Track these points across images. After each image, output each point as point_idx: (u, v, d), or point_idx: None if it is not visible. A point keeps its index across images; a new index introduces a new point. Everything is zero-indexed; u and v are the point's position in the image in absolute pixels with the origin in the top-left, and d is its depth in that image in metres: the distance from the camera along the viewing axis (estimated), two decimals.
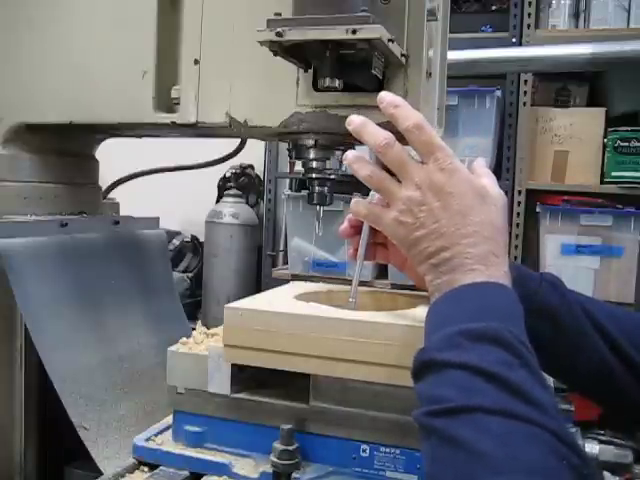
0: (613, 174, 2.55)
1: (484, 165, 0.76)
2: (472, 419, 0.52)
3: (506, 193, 2.64)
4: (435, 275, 0.67)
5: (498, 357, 0.56)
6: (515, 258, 2.66)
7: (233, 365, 0.85)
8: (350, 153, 0.75)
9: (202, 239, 3.29)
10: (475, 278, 0.64)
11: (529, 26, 2.62)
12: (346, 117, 0.92)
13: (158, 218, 1.45)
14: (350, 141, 1.01)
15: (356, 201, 0.77)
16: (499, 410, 0.52)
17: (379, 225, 0.74)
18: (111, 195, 1.54)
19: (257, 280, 3.16)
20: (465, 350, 0.57)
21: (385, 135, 0.72)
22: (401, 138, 0.75)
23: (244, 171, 3.34)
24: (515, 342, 0.58)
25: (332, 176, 1.00)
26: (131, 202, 1.54)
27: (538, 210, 2.57)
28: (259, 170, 3.34)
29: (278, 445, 0.78)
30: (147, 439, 0.90)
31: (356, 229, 0.91)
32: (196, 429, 0.87)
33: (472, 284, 0.63)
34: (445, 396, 0.55)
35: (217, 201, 3.28)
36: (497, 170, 2.70)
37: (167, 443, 0.89)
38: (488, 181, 0.73)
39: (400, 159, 0.70)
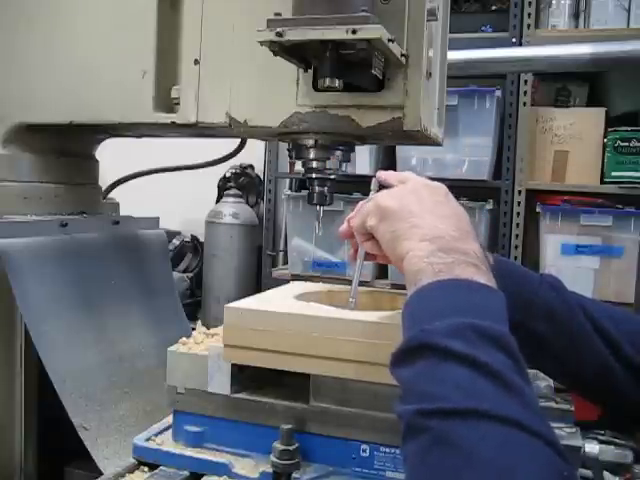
0: (613, 174, 2.55)
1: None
2: (471, 423, 0.50)
3: (506, 193, 2.66)
4: (430, 252, 0.63)
5: (504, 361, 0.54)
6: (515, 258, 2.66)
7: (233, 365, 0.85)
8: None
9: (202, 239, 3.29)
10: (480, 277, 0.61)
11: (529, 26, 2.62)
12: (346, 117, 0.93)
13: (158, 218, 1.45)
14: (350, 141, 1.02)
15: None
16: (500, 416, 0.50)
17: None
18: (111, 195, 1.54)
19: (257, 280, 3.15)
20: (475, 346, 0.54)
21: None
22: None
23: (244, 171, 3.34)
24: (516, 350, 0.56)
25: (332, 176, 1.01)
26: (131, 202, 1.54)
27: (538, 210, 2.57)
28: (259, 170, 3.34)
29: (278, 445, 0.78)
30: (147, 439, 0.90)
31: None
32: (196, 429, 0.87)
33: (481, 283, 0.61)
34: (443, 394, 0.52)
35: (217, 201, 3.28)
36: (497, 170, 2.71)
37: (167, 443, 0.89)
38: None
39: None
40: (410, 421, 0.53)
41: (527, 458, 0.48)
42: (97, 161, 1.35)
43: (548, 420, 0.52)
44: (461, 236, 0.65)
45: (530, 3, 2.62)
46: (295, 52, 0.84)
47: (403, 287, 1.12)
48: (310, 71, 0.91)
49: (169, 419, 0.93)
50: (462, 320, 0.56)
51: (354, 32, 0.76)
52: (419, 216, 0.68)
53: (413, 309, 0.62)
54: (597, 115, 2.62)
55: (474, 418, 0.50)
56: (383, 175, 0.82)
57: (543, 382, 1.04)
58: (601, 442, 0.94)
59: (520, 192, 2.65)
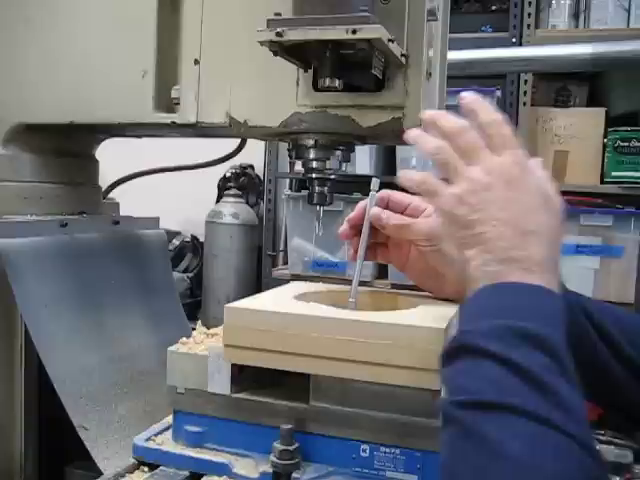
0: (613, 174, 2.55)
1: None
2: (501, 417, 0.50)
3: None
4: (485, 262, 0.63)
5: (541, 361, 0.54)
6: None
7: (233, 365, 0.85)
8: (412, 131, 0.73)
9: (202, 239, 3.29)
10: (532, 280, 0.61)
11: (529, 26, 2.62)
12: (346, 117, 0.93)
13: (158, 218, 1.44)
14: (350, 141, 1.02)
15: (405, 172, 0.74)
16: (529, 413, 0.50)
17: (433, 198, 0.70)
18: (111, 195, 1.54)
19: (257, 280, 3.15)
20: (511, 346, 0.55)
21: (461, 121, 0.70)
22: None
23: (244, 171, 3.34)
24: (560, 351, 0.56)
25: (332, 176, 1.01)
26: (131, 202, 1.54)
27: None
28: (259, 170, 3.34)
29: (278, 445, 0.78)
30: (147, 439, 0.90)
31: (355, 230, 0.92)
32: (196, 429, 0.87)
33: (529, 285, 0.61)
34: (476, 388, 0.53)
35: (217, 201, 3.28)
36: None
37: (167, 443, 0.89)
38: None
39: (475, 144, 0.68)
40: (446, 412, 0.54)
41: (556, 457, 0.48)
42: (97, 161, 1.35)
43: (586, 423, 0.52)
44: (521, 242, 0.63)
45: (530, 3, 2.62)
46: (295, 52, 0.84)
47: (403, 287, 1.13)
48: (310, 71, 0.91)
49: (169, 419, 0.93)
50: (500, 321, 0.57)
51: (354, 32, 0.76)
52: (484, 223, 0.65)
53: (462, 314, 0.64)
54: (597, 115, 2.62)
55: (505, 413, 0.50)
56: (475, 106, 0.70)
57: None
58: (601, 442, 0.93)
59: None
